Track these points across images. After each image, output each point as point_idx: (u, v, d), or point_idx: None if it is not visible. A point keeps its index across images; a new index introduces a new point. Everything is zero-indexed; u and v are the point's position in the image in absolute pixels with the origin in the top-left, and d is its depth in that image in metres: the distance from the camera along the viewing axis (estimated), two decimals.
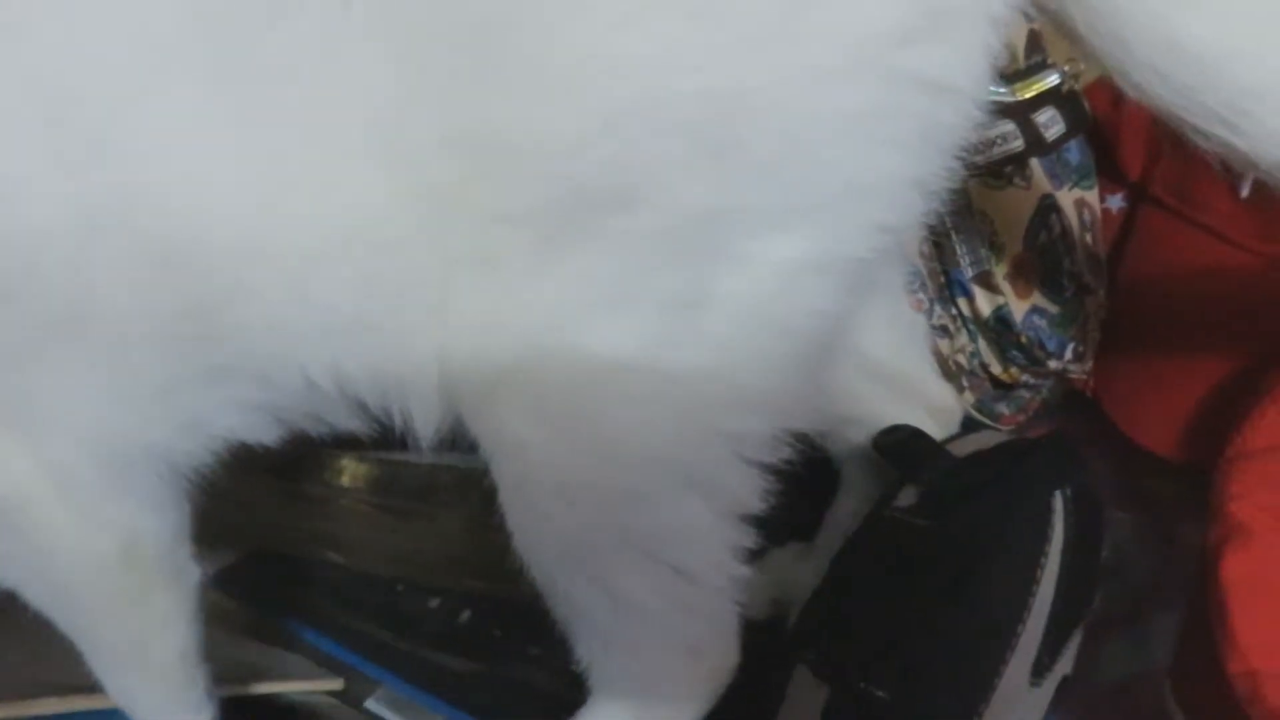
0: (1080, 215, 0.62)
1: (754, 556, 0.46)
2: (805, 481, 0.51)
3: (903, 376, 0.52)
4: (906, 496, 0.47)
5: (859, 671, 0.44)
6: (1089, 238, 0.62)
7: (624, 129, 0.35)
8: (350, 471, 0.62)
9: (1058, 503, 0.46)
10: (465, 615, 0.60)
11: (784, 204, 0.37)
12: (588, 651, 0.45)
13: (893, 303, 0.52)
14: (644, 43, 0.35)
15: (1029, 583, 0.45)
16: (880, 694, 0.43)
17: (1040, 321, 0.59)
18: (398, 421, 0.42)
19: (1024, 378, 0.60)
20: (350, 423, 0.44)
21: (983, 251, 0.58)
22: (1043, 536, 0.45)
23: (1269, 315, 0.56)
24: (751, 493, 0.41)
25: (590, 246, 0.36)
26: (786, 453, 0.41)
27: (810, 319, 0.39)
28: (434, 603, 0.60)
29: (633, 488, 0.40)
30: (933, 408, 0.52)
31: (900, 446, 0.48)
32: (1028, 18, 0.39)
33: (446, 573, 0.61)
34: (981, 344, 0.58)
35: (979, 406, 0.59)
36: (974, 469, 0.47)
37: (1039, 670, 0.46)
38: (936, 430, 0.51)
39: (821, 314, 0.39)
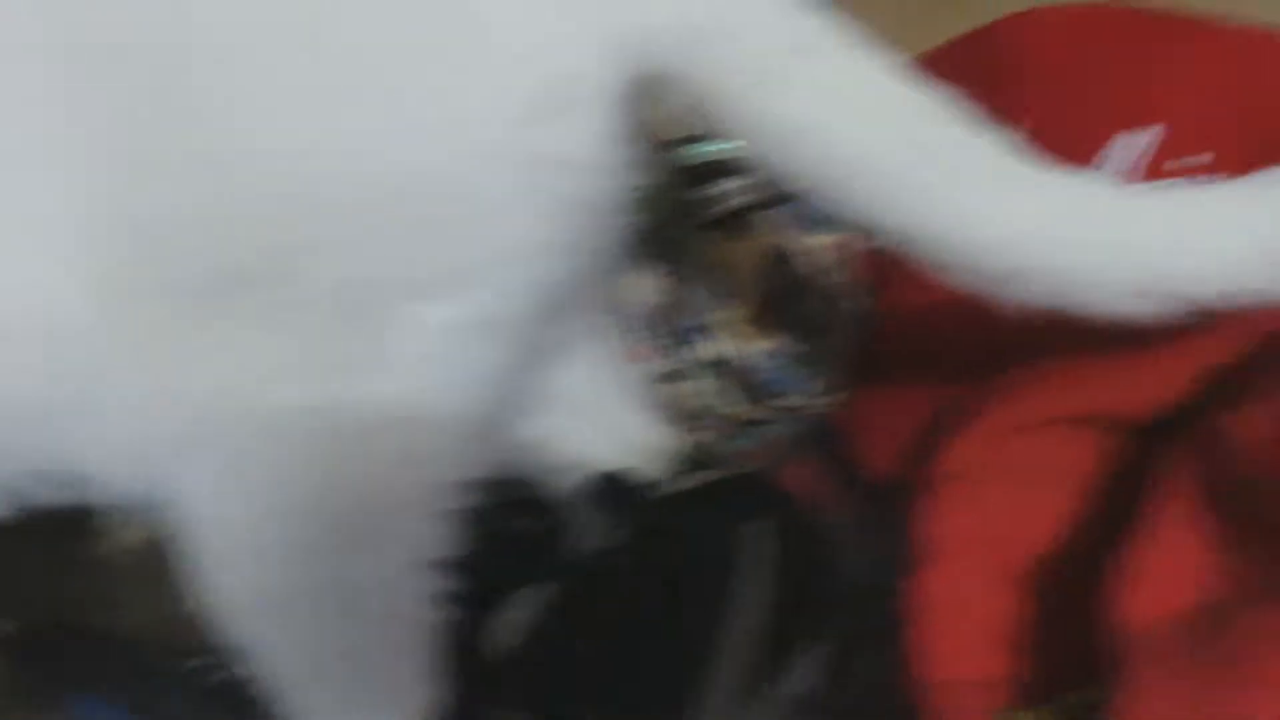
0: (826, 258, 0.66)
1: (498, 599, 0.50)
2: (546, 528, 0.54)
3: (611, 423, 0.55)
4: (612, 536, 0.50)
5: (567, 708, 0.46)
6: (833, 280, 0.65)
7: (280, 210, 0.38)
8: (119, 535, 0.62)
9: (747, 535, 0.49)
10: (221, 676, 0.60)
11: (441, 271, 0.39)
12: (293, 702, 0.46)
13: (600, 357, 0.54)
14: (295, 132, 0.38)
15: (728, 611, 0.48)
16: None
17: (776, 361, 0.62)
18: (98, 496, 0.43)
19: (762, 415, 0.62)
20: (59, 497, 0.45)
21: (711, 300, 0.61)
22: (741, 564, 0.48)
23: (972, 348, 0.59)
24: (442, 538, 0.43)
25: (262, 318, 0.39)
26: (475, 499, 0.43)
27: (481, 374, 0.42)
28: (192, 664, 0.59)
29: (319, 542, 0.41)
30: (643, 450, 0.54)
31: (610, 488, 0.51)
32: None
33: (205, 634, 0.62)
34: (717, 386, 0.61)
35: (715, 446, 0.61)
36: (673, 508, 0.50)
37: (752, 692, 0.49)
38: (648, 472, 0.53)
39: (493, 368, 0.42)
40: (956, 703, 0.48)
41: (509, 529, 0.59)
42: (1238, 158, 0.57)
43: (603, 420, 0.55)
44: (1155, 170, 0.58)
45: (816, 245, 0.66)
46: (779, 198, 0.63)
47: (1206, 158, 0.57)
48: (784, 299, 0.63)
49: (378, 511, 0.42)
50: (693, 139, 0.61)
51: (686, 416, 0.61)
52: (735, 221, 0.62)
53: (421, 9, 0.38)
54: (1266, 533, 0.42)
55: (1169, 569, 0.44)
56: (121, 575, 0.62)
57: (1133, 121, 0.58)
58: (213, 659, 0.57)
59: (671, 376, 0.61)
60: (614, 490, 0.51)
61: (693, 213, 0.61)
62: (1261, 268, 0.40)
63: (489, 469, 0.45)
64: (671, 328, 0.61)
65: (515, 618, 0.53)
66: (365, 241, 0.38)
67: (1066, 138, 0.60)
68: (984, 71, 0.64)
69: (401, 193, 0.38)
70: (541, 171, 0.39)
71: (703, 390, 0.62)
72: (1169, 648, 0.41)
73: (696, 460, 0.60)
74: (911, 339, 0.68)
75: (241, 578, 0.42)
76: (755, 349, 0.62)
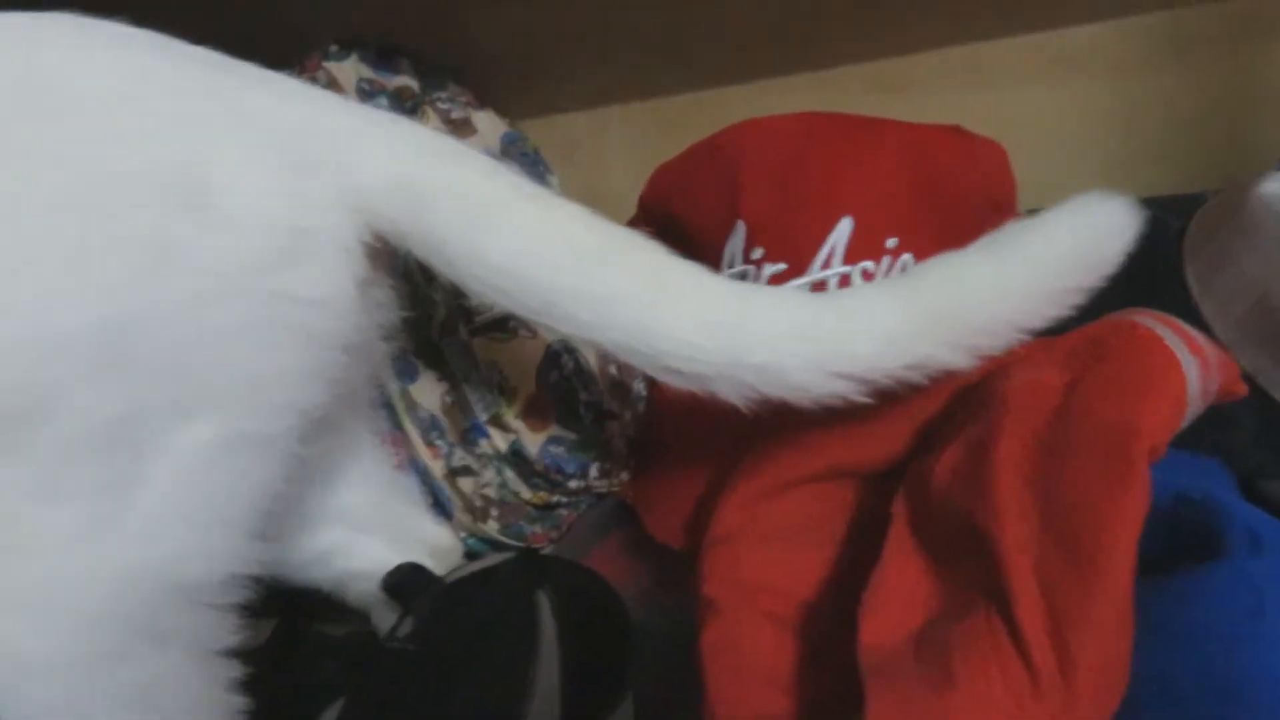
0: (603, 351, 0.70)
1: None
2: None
3: (394, 528, 0.57)
4: (405, 627, 0.51)
5: None
6: (613, 369, 0.70)
7: (16, 358, 0.39)
8: None
9: (541, 603, 0.51)
10: None
11: (191, 399, 0.42)
12: None
13: (372, 467, 0.58)
14: (31, 285, 0.39)
15: (523, 681, 0.49)
16: None
17: (558, 449, 0.65)
18: None
19: (554, 498, 0.65)
20: None
21: (492, 396, 0.64)
22: (530, 637, 0.50)
23: (740, 417, 0.63)
24: (219, 632, 0.45)
25: (16, 454, 0.40)
26: (245, 593, 0.45)
27: (238, 486, 0.45)
28: None
29: (99, 650, 0.42)
30: (433, 548, 0.57)
31: (400, 583, 0.53)
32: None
33: None
34: (509, 475, 0.64)
35: (506, 531, 0.64)
36: (459, 591, 0.52)
37: None
38: (439, 568, 0.56)
39: (249, 481, 0.45)
40: None
41: (327, 636, 0.60)
42: (921, 236, 0.65)
43: (384, 527, 0.57)
44: (854, 256, 0.64)
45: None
46: None
47: (893, 241, 0.65)
48: (564, 391, 0.66)
49: (153, 614, 0.43)
50: None
51: (474, 509, 0.63)
52: (509, 324, 0.65)
53: (157, 175, 0.41)
54: (960, 556, 0.46)
55: (896, 597, 0.47)
56: None
57: (832, 214, 0.65)
58: None
59: (457, 473, 0.63)
60: (402, 584, 0.53)
61: (467, 320, 0.64)
62: (909, 348, 0.46)
63: (260, 584, 0.47)
64: (458, 427, 0.64)
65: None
66: (113, 378, 0.40)
67: (780, 234, 0.68)
68: (711, 177, 0.71)
69: (145, 331, 0.40)
70: (285, 308, 0.43)
71: (491, 482, 0.64)
72: (895, 666, 0.44)
73: (494, 546, 0.62)
74: (684, 415, 0.71)
75: (32, 703, 0.41)
76: (536, 439, 0.64)
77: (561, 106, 0.93)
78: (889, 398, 0.57)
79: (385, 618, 0.56)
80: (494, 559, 0.56)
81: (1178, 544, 0.44)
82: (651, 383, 0.73)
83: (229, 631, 0.45)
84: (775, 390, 0.46)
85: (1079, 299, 0.48)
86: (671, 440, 0.72)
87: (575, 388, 0.66)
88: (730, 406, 0.65)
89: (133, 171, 0.41)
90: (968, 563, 0.46)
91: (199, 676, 0.45)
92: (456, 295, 0.63)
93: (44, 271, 0.39)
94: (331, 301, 0.45)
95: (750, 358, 0.45)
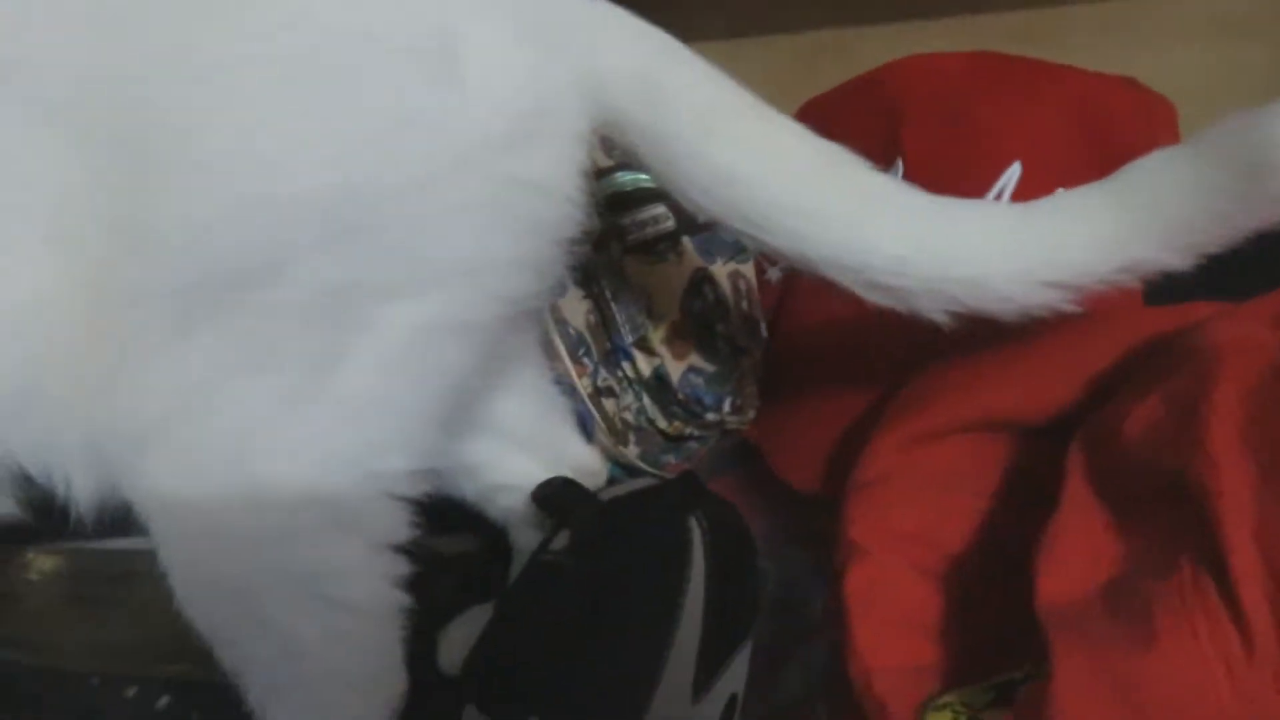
0: (736, 285, 0.68)
1: (455, 613, 0.50)
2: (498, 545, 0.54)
3: (546, 444, 0.56)
4: (560, 540, 0.50)
5: (518, 706, 0.46)
6: (744, 305, 0.68)
7: (260, 217, 0.39)
8: (36, 566, 0.59)
9: (694, 530, 0.50)
10: (163, 701, 0.58)
11: (409, 277, 0.42)
12: (259, 699, 0.45)
13: (532, 380, 0.57)
14: (274, 143, 0.39)
15: (673, 607, 0.48)
16: None
17: (697, 380, 0.63)
18: (60, 495, 0.42)
19: (688, 430, 0.64)
20: (8, 501, 0.43)
21: (640, 319, 0.62)
22: (683, 561, 0.49)
23: (880, 358, 0.63)
24: (398, 525, 0.44)
25: (234, 317, 0.39)
26: (427, 488, 0.45)
27: (440, 373, 0.44)
28: (131, 692, 0.58)
29: (285, 529, 0.42)
30: (577, 469, 0.56)
31: (553, 496, 0.51)
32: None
33: (143, 659, 0.59)
34: (647, 401, 0.63)
35: (645, 458, 0.63)
36: (617, 509, 0.51)
37: (699, 687, 0.49)
38: (588, 485, 0.54)
39: (450, 369, 0.44)
40: (886, 688, 0.49)
41: (439, 554, 0.59)
42: None
43: (537, 442, 0.56)
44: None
45: (729, 271, 0.69)
46: (697, 226, 0.66)
47: (1061, 190, 0.62)
48: (705, 321, 0.65)
49: (336, 497, 0.42)
50: (619, 167, 0.63)
51: (617, 431, 0.62)
52: (658, 246, 0.64)
53: (407, 41, 0.41)
54: (1156, 512, 0.45)
55: (1077, 552, 0.46)
56: (45, 607, 0.59)
57: (1001, 157, 0.62)
58: (152, 685, 0.57)
59: (602, 393, 0.61)
60: (555, 497, 0.52)
61: (620, 238, 0.62)
62: (1121, 250, 0.45)
63: (438, 483, 0.46)
64: (601, 347, 0.62)
65: (465, 634, 0.53)
66: (342, 247, 0.40)
67: (942, 174, 0.65)
68: (869, 113, 0.68)
69: (380, 202, 0.40)
70: (514, 192, 0.42)
71: (630, 406, 0.63)
72: (1082, 621, 0.43)
73: (629, 471, 0.61)
74: (812, 356, 0.70)
75: (206, 567, 0.42)
76: (678, 367, 0.63)
77: (700, 35, 0.90)
78: (1057, 348, 0.56)
79: (525, 534, 0.56)
80: (647, 481, 0.55)
81: None
82: (774, 325, 0.72)
83: (405, 526, 0.44)
84: (982, 303, 0.45)
85: None
86: (800, 382, 0.70)
87: (715, 319, 0.65)
88: (861, 349, 0.65)
89: (382, 34, 0.40)
90: (1164, 519, 0.44)
91: (373, 567, 0.44)
92: (609, 213, 0.62)
93: (287, 131, 0.38)
94: (558, 189, 0.44)
95: (956, 270, 0.45)
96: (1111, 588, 0.45)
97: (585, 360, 0.62)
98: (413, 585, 0.47)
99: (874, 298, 0.47)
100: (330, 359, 0.41)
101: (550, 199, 0.44)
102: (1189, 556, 0.42)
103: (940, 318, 0.46)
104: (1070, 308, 0.46)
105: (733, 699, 0.53)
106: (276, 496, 0.41)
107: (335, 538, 0.43)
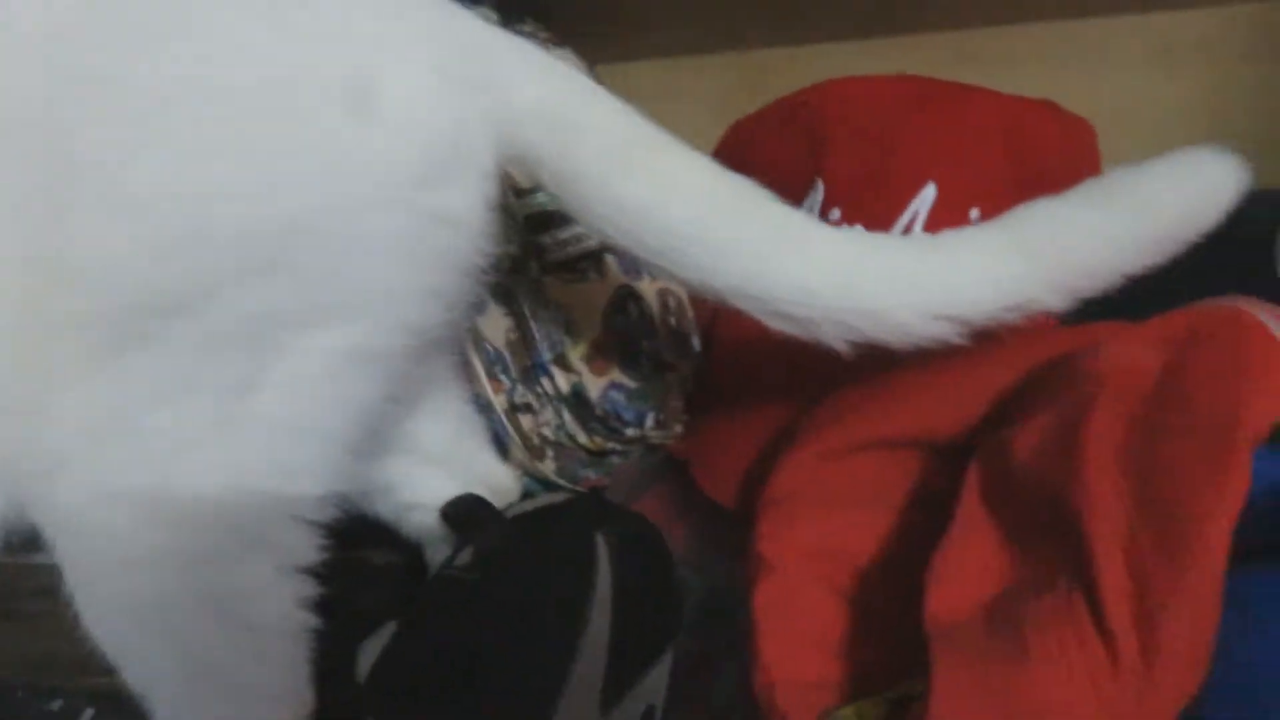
0: (664, 301, 0.69)
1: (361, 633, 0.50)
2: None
3: (459, 462, 0.57)
4: (464, 556, 0.50)
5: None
6: (672, 320, 0.69)
7: (182, 250, 0.40)
8: None
9: (600, 545, 0.50)
10: (88, 714, 0.58)
11: (324, 306, 0.43)
12: (165, 710, 0.45)
13: (446, 400, 0.58)
14: (196, 176, 0.40)
15: (577, 621, 0.49)
16: None
17: (618, 396, 0.64)
18: None
19: (609, 445, 0.64)
20: None
21: (558, 336, 0.63)
22: (588, 577, 0.49)
23: (807, 377, 0.61)
24: (307, 548, 0.45)
25: (152, 346, 0.40)
26: (337, 511, 0.46)
27: (351, 399, 0.45)
28: (56, 704, 0.58)
29: (194, 551, 0.42)
30: (490, 486, 0.57)
31: (461, 513, 0.52)
32: None
33: (69, 671, 0.59)
34: (567, 417, 0.63)
35: (562, 473, 0.63)
36: (522, 525, 0.51)
37: (609, 702, 0.49)
38: (497, 505, 0.55)
39: (361, 395, 0.45)
40: (789, 702, 0.50)
41: (369, 565, 0.59)
42: (1004, 209, 0.62)
43: (449, 461, 0.57)
44: (935, 225, 0.63)
45: (657, 289, 0.69)
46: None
47: (975, 213, 0.63)
48: (629, 337, 0.65)
49: (249, 521, 0.43)
50: (539, 187, 0.63)
51: (533, 447, 0.62)
52: (580, 264, 0.64)
53: (327, 79, 0.42)
54: (1040, 531, 0.45)
55: (966, 568, 0.46)
56: None
57: (917, 179, 0.63)
58: (77, 697, 0.57)
59: (519, 409, 0.62)
60: (463, 514, 0.52)
61: (539, 257, 0.63)
62: (1015, 289, 0.47)
63: (348, 505, 0.47)
64: (520, 364, 0.63)
65: (375, 646, 0.54)
66: (260, 279, 0.41)
67: (861, 195, 0.66)
68: (792, 135, 0.69)
69: (298, 235, 0.41)
70: (427, 226, 0.44)
71: (550, 422, 0.63)
72: (966, 636, 0.44)
73: (547, 487, 0.62)
74: (742, 371, 0.71)
75: (118, 590, 0.42)
76: (598, 384, 0.64)
77: (641, 54, 0.91)
78: (964, 367, 0.56)
79: (439, 551, 0.56)
80: (556, 497, 0.55)
81: (1276, 536, 0.43)
82: (709, 339, 0.72)
83: (314, 549, 0.45)
84: (879, 334, 0.47)
85: (1177, 249, 0.49)
86: (729, 397, 0.70)
87: (639, 335, 0.65)
88: (790, 366, 0.66)
89: (303, 71, 0.41)
90: (1048, 538, 0.45)
91: (282, 589, 0.45)
92: (529, 231, 0.63)
93: (209, 164, 0.39)
94: (468, 223, 0.45)
95: (858, 303, 0.46)
96: (994, 603, 0.45)
97: (502, 377, 0.62)
98: (339, 597, 0.48)
99: (778, 326, 0.48)
100: (245, 386, 0.42)
101: (461, 232, 0.45)
102: (1065, 575, 0.43)
103: (841, 346, 0.48)
104: (960, 340, 0.48)
105: (649, 711, 0.53)
106: (187, 519, 0.42)
107: (244, 560, 0.44)
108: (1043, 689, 0.40)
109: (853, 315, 0.47)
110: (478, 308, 0.61)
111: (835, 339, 0.48)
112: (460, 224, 0.45)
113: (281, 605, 0.45)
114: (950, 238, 0.51)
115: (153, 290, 0.40)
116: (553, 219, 0.63)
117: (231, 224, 0.40)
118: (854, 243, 0.49)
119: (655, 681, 0.54)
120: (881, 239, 0.52)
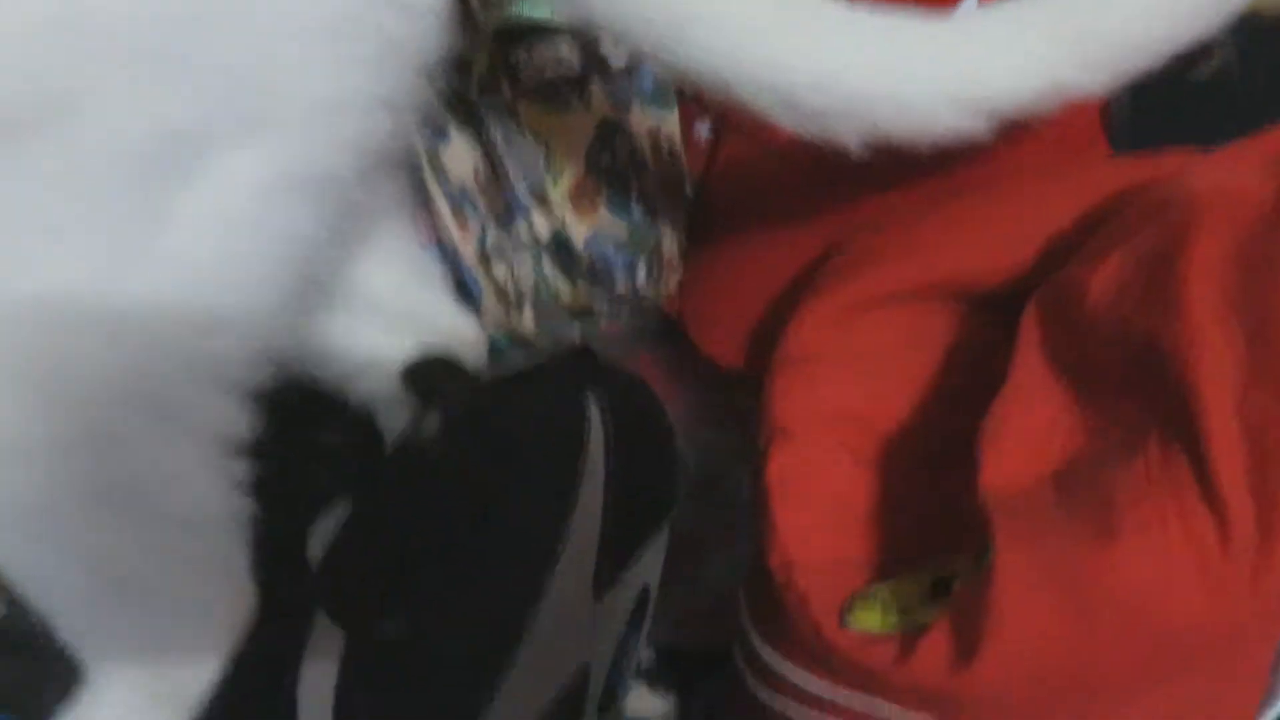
0: (655, 141, 0.61)
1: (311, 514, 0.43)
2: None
3: (414, 315, 0.50)
4: (429, 424, 0.43)
5: (374, 611, 0.40)
6: (665, 163, 0.61)
7: (31, 43, 0.31)
8: None
9: (590, 408, 0.44)
10: None
11: (247, 120, 0.35)
12: (75, 628, 0.39)
13: (396, 240, 0.50)
14: None
15: (566, 497, 0.42)
16: (395, 632, 0.39)
17: (606, 244, 0.57)
18: None
19: (595, 302, 0.58)
20: None
21: (536, 172, 0.55)
22: (578, 445, 0.43)
23: (816, 221, 0.56)
24: (234, 419, 0.38)
25: (22, 167, 0.32)
26: (267, 376, 0.38)
27: (284, 235, 0.38)
28: None
29: (96, 429, 0.35)
30: (455, 340, 0.50)
31: (424, 374, 0.45)
32: None
33: None
34: (547, 267, 0.56)
35: (544, 331, 0.56)
36: (499, 387, 0.44)
37: (602, 583, 0.45)
38: (468, 360, 0.48)
39: (295, 231, 0.38)
40: (810, 582, 0.44)
41: (316, 441, 0.53)
42: None
43: (402, 314, 0.50)
44: None
45: (647, 127, 0.61)
46: (608, 70, 0.58)
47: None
48: (616, 178, 0.58)
49: (161, 388, 0.36)
50: None
51: (508, 300, 0.55)
52: (560, 91, 0.56)
53: None
54: (1121, 386, 0.40)
55: (1028, 432, 0.42)
56: None
57: None
58: None
59: (491, 256, 0.55)
60: (426, 376, 0.45)
61: (512, 77, 0.55)
62: (1053, 70, 0.43)
63: (289, 370, 0.40)
64: (492, 204, 0.55)
65: (327, 529, 0.47)
66: (163, 82, 0.33)
67: None
68: None
69: (212, 24, 0.33)
70: (377, 9, 0.36)
71: (529, 274, 0.56)
72: (1032, 510, 0.39)
73: (522, 345, 0.55)
74: (746, 213, 0.63)
75: (5, 495, 0.35)
76: (583, 229, 0.56)
77: None
78: (1013, 203, 0.51)
79: (397, 418, 0.48)
80: (537, 355, 0.48)
81: None
82: (705, 186, 0.65)
83: (244, 423, 0.38)
84: (902, 127, 0.43)
85: (1226, 18, 0.44)
86: (729, 248, 0.63)
87: (628, 176, 0.58)
88: (803, 202, 0.59)
89: None
90: (1132, 394, 0.40)
91: (205, 473, 0.38)
92: (501, 42, 0.54)
93: None
94: (427, 10, 0.38)
95: (880, 87, 0.43)
96: (1066, 473, 0.40)
97: (471, 220, 0.55)
98: (281, 477, 0.41)
99: (791, 121, 0.43)
100: (148, 220, 0.34)
101: (417, 21, 0.38)
102: (1158, 436, 0.38)
103: (856, 146, 0.43)
104: (989, 136, 0.43)
105: (644, 592, 0.49)
106: (87, 391, 0.35)
107: (156, 438, 0.37)
108: (1133, 569, 0.35)
109: (875, 102, 0.43)
110: (439, 134, 0.52)
111: (851, 135, 0.43)
112: (415, 10, 0.38)
113: (206, 491, 0.38)
114: (979, 17, 0.47)
115: (21, 96, 0.32)
116: (528, 33, 0.54)
117: (114, 11, 0.32)
118: (878, 22, 0.45)
119: (651, 559, 0.49)
120: (909, 19, 0.47)
